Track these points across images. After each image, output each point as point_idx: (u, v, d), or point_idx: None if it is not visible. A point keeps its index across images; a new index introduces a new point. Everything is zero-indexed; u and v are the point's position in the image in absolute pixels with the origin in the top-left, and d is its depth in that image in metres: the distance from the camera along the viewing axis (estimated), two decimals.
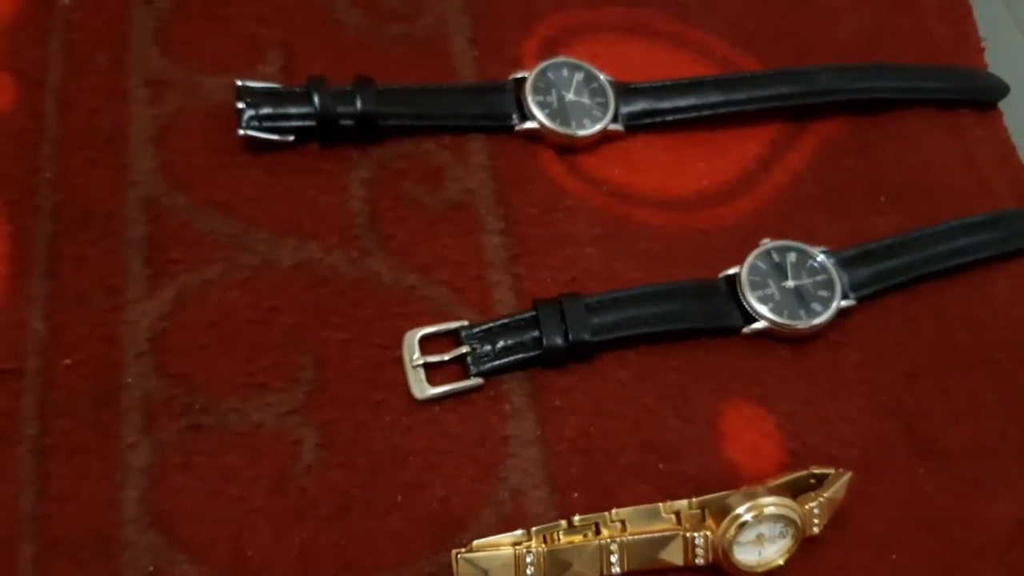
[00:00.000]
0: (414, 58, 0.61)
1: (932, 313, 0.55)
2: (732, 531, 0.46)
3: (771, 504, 0.46)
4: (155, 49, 0.60)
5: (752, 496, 0.46)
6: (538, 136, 0.59)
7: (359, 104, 0.57)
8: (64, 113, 0.57)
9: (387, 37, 0.62)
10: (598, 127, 0.58)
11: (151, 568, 0.46)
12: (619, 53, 0.63)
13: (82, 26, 0.60)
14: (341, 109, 0.56)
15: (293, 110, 0.56)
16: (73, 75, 0.58)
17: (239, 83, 0.57)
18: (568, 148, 0.59)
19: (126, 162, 0.56)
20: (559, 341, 0.51)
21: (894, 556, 0.49)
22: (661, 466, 0.50)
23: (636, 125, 0.60)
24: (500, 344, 0.51)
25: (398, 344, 0.52)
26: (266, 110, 0.56)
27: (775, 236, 0.56)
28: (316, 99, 0.56)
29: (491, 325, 0.52)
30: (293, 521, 0.47)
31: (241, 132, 0.56)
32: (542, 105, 0.58)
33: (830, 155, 0.60)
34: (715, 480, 0.49)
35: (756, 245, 0.55)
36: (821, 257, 0.55)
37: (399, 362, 0.51)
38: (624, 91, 0.60)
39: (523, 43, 0.62)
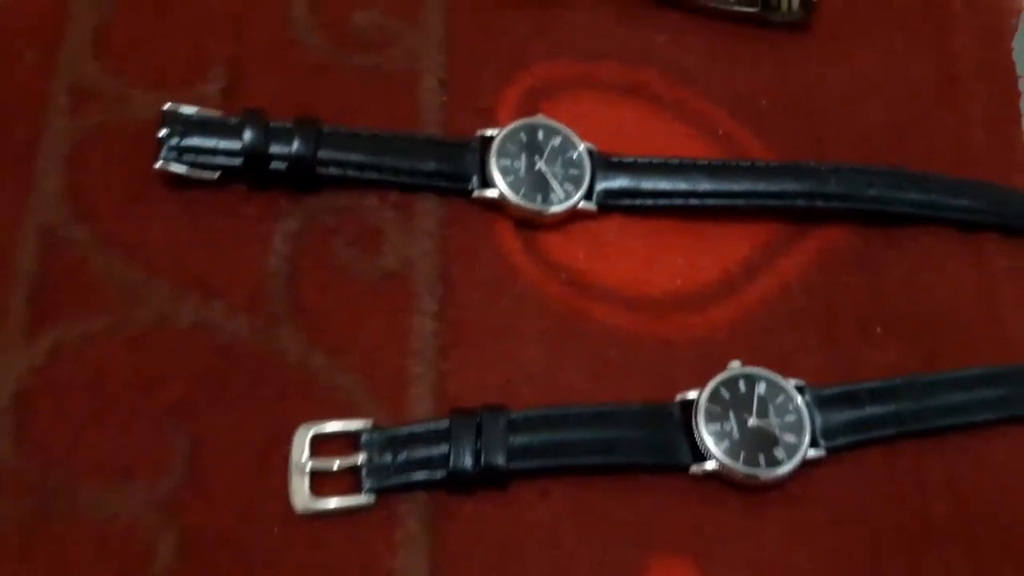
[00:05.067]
0: (375, 95, 0.54)
1: (913, 475, 0.48)
2: None
3: None
4: (89, 51, 0.53)
5: None
6: (498, 206, 0.51)
7: (296, 146, 0.50)
8: None
9: (349, 66, 0.54)
10: (567, 205, 0.51)
11: None
12: (609, 116, 0.55)
13: (12, 14, 0.54)
14: (275, 149, 0.50)
15: (222, 144, 0.50)
16: None
17: (165, 107, 0.50)
18: (530, 223, 0.52)
19: (31, 181, 0.50)
20: (468, 464, 0.44)
21: None
22: None
23: (611, 205, 0.52)
24: (402, 457, 0.45)
25: (289, 438, 0.45)
26: (191, 141, 0.50)
27: (749, 355, 0.49)
28: (246, 134, 0.49)
29: (395, 433, 0.45)
30: None
31: (157, 165, 0.49)
32: (507, 171, 0.51)
33: (828, 268, 0.52)
34: None
35: (723, 365, 0.48)
36: (795, 393, 0.47)
37: (285, 460, 0.45)
38: (604, 164, 0.52)
39: (501, 92, 0.55)
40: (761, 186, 0.52)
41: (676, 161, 0.53)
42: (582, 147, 0.52)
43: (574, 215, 0.52)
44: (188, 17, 0.55)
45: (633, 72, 0.57)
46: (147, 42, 0.54)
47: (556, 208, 0.51)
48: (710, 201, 0.52)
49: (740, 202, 0.52)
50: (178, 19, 0.54)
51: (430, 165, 0.51)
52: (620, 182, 0.52)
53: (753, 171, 0.52)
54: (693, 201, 0.52)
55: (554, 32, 0.57)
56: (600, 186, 0.52)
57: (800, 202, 0.52)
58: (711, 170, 0.52)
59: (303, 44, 0.55)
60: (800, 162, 0.53)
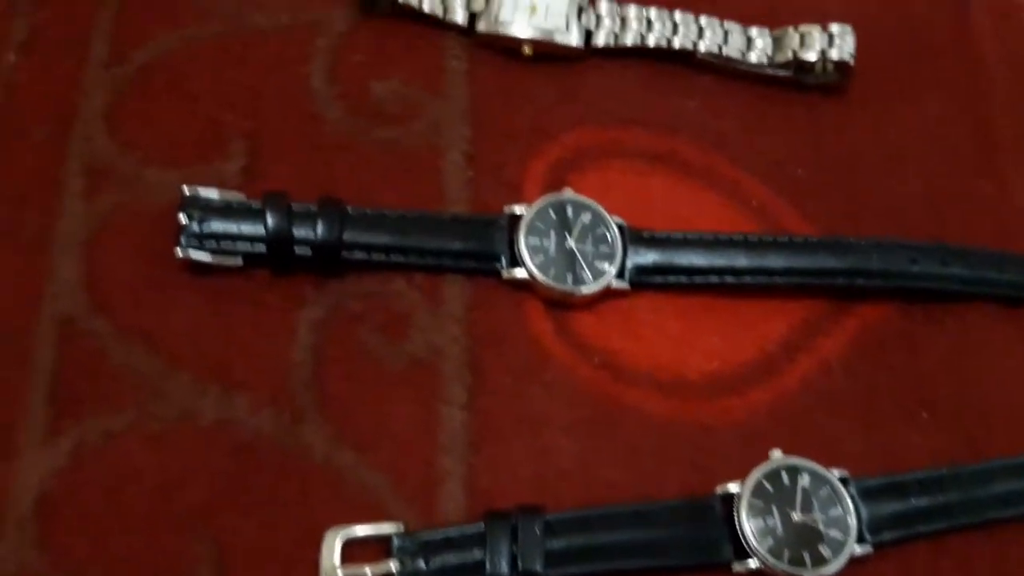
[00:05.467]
0: (398, 170, 0.52)
1: (959, 571, 0.46)
2: None
3: None
4: (103, 127, 0.52)
5: None
6: (527, 286, 0.50)
7: (320, 230, 0.48)
8: None
9: (371, 141, 0.53)
10: (598, 286, 0.49)
11: None
12: (638, 186, 0.54)
13: (25, 89, 0.53)
14: (299, 233, 0.48)
15: (245, 229, 0.48)
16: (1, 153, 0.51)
17: (185, 191, 0.48)
18: (561, 304, 0.50)
19: (48, 269, 0.49)
20: (505, 571, 0.43)
21: None
22: None
23: (644, 282, 0.51)
24: (436, 563, 0.43)
25: (317, 541, 0.44)
26: (212, 227, 0.48)
27: (789, 440, 0.47)
28: (269, 219, 0.48)
29: (429, 538, 0.43)
30: None
31: (179, 252, 0.48)
32: (536, 251, 0.49)
33: (869, 347, 0.51)
34: None
35: (764, 452, 0.46)
36: (839, 486, 0.46)
37: (314, 565, 0.43)
38: (635, 239, 0.51)
39: (528, 165, 0.53)
40: (800, 263, 0.50)
41: (711, 236, 0.51)
42: (613, 223, 0.50)
43: (606, 294, 0.50)
44: (205, 91, 0.53)
45: (662, 139, 0.55)
46: (164, 118, 0.52)
47: (588, 288, 0.49)
48: (747, 279, 0.50)
49: (778, 280, 0.50)
50: (195, 93, 0.53)
51: (457, 245, 0.50)
52: (652, 258, 0.51)
53: (791, 247, 0.51)
54: (729, 279, 0.50)
55: (580, 98, 0.56)
56: (632, 262, 0.50)
57: (840, 280, 0.51)
58: (748, 246, 0.51)
59: (323, 117, 0.53)
60: (840, 237, 0.51)
